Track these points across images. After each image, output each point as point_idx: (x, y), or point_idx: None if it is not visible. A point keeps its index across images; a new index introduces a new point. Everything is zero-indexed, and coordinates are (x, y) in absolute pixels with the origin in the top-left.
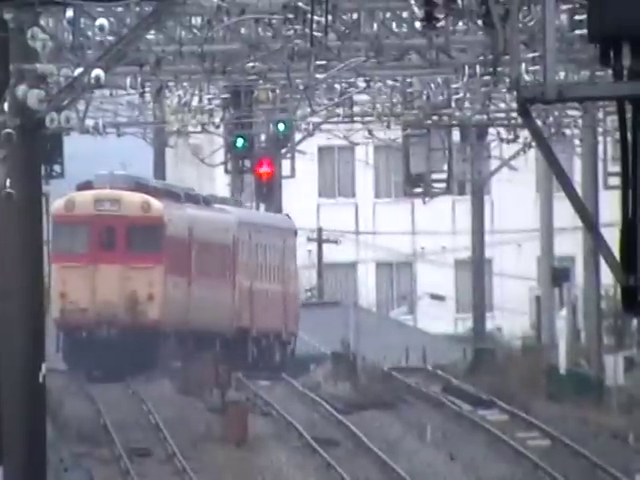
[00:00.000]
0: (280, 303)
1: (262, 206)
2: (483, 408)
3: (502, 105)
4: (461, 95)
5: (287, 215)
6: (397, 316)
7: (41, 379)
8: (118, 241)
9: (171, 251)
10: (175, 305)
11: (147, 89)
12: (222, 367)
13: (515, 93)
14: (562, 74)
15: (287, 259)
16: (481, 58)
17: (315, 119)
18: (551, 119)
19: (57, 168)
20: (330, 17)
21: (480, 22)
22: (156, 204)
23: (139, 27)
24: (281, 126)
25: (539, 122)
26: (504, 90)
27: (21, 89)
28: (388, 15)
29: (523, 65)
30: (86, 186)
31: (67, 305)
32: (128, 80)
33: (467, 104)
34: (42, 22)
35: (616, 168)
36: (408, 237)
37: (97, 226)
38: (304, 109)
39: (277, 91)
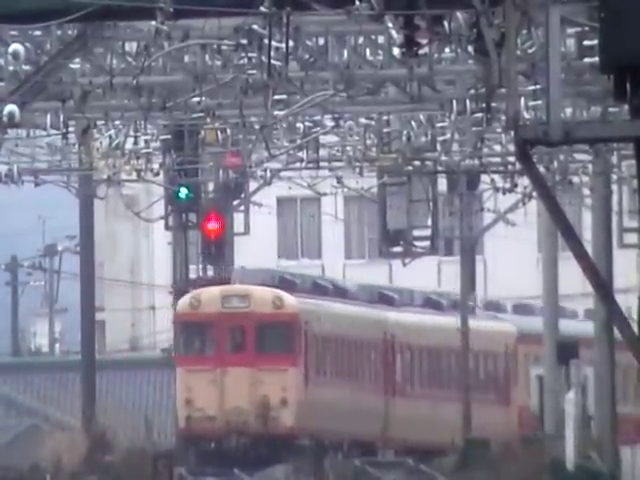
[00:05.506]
0: None
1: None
2: None
3: (497, 148)
4: (448, 136)
5: None
6: None
7: None
8: (247, 341)
9: (320, 353)
10: (338, 415)
11: (71, 129)
12: None
13: (513, 133)
14: (569, 111)
15: None
16: (472, 92)
17: (273, 165)
18: (556, 164)
19: None
20: (291, 43)
21: (471, 49)
22: (290, 299)
23: (61, 54)
24: (232, 173)
25: (541, 168)
26: (499, 130)
27: None
28: (361, 40)
29: (522, 100)
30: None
31: (194, 413)
32: (48, 118)
33: (455, 147)
34: None
35: (633, 223)
36: None
37: (224, 325)
38: (260, 153)
39: (228, 131)
